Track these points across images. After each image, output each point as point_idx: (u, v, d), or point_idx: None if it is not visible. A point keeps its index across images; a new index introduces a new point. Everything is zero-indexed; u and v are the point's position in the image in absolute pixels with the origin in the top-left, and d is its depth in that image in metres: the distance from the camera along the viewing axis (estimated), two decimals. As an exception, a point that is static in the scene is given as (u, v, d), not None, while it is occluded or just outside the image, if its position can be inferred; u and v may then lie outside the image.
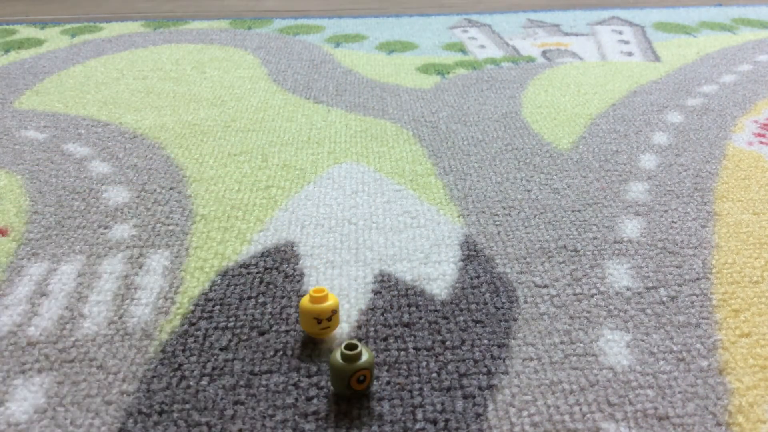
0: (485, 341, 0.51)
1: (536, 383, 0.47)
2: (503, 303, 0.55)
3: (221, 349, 0.50)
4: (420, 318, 0.54)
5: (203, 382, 0.47)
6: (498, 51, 1.29)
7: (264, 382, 0.47)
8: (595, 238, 0.64)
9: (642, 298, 0.56)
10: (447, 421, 0.44)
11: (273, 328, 0.53)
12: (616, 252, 0.62)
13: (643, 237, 0.65)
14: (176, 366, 0.49)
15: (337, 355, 0.45)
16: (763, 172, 0.78)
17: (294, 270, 0.60)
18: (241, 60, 1.24)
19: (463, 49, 1.31)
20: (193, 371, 0.48)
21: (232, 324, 0.53)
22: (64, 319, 0.54)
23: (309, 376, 0.48)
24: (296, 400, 0.46)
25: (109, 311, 0.55)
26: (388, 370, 0.48)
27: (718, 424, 0.43)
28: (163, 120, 0.95)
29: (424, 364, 0.49)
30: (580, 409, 0.45)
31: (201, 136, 0.90)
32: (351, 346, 0.45)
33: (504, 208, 0.70)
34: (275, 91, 1.07)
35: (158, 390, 0.46)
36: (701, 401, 0.45)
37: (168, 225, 0.67)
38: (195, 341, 0.51)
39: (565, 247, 0.63)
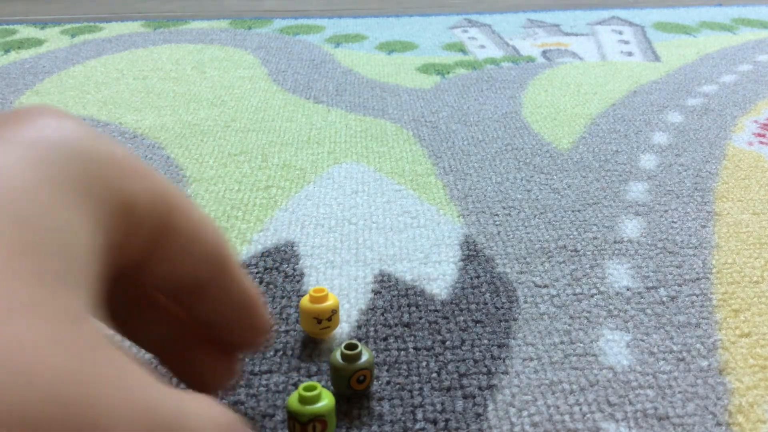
0: (485, 341, 0.51)
1: (536, 383, 0.47)
2: (503, 303, 0.55)
3: (221, 349, 0.50)
4: (420, 318, 0.54)
5: (203, 382, 0.47)
6: (498, 51, 1.29)
7: (264, 382, 0.47)
8: (595, 238, 0.64)
9: (642, 298, 0.56)
10: (447, 421, 0.44)
11: (273, 328, 0.53)
12: (616, 252, 0.62)
13: (643, 237, 0.65)
14: (176, 366, 0.49)
15: (337, 355, 0.45)
16: (763, 172, 0.78)
17: (294, 270, 0.60)
18: (241, 60, 1.24)
19: (463, 49, 1.31)
20: (193, 371, 0.48)
21: (232, 324, 0.53)
22: (64, 319, 0.54)
23: (309, 376, 0.48)
24: (296, 400, 0.46)
25: (109, 311, 0.55)
26: (388, 370, 0.48)
27: (718, 424, 0.43)
28: (163, 120, 0.95)
29: (424, 364, 0.49)
30: (580, 409, 0.45)
31: (201, 136, 0.90)
32: (351, 346, 0.45)
33: (504, 208, 0.70)
34: (275, 91, 1.07)
35: (158, 390, 0.46)
36: (701, 401, 0.45)
37: (168, 225, 0.67)
38: (195, 341, 0.51)
39: (565, 247, 0.63)
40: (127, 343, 0.29)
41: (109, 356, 0.16)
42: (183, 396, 0.18)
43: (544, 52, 1.28)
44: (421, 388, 0.47)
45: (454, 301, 0.56)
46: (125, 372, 0.16)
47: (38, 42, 1.36)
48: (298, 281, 0.59)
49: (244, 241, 0.64)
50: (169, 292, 0.25)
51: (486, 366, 0.48)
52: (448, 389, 0.47)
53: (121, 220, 0.20)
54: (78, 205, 0.18)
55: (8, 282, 0.15)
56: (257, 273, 0.60)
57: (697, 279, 0.58)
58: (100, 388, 0.15)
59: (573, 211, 0.69)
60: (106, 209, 0.19)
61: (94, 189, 0.19)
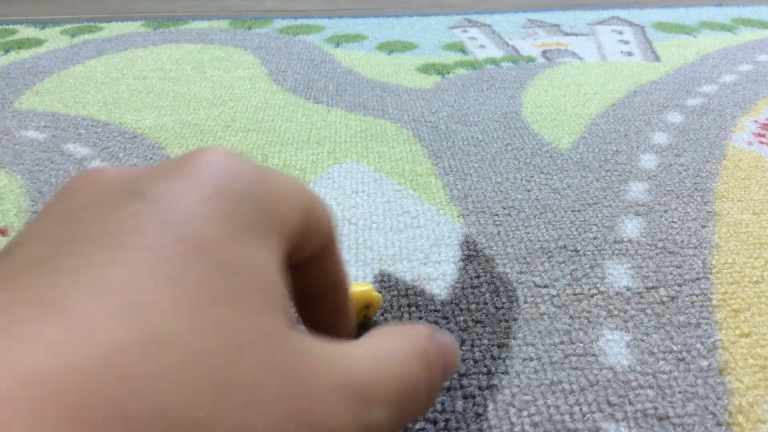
0: (485, 341, 0.51)
1: (536, 383, 0.47)
2: (503, 303, 0.55)
3: (221, 349, 0.50)
4: (420, 318, 0.54)
5: (203, 382, 0.47)
6: (498, 51, 1.29)
7: (264, 382, 0.47)
8: (595, 238, 0.64)
9: (642, 298, 0.56)
10: (447, 421, 0.44)
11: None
12: (616, 252, 0.62)
13: (643, 237, 0.65)
14: (176, 366, 0.49)
15: None
16: (763, 172, 0.78)
17: (294, 270, 0.60)
18: (241, 60, 1.24)
19: (463, 49, 1.30)
20: (193, 371, 0.48)
21: (232, 324, 0.53)
22: (64, 319, 0.54)
23: (309, 376, 0.48)
24: (296, 400, 0.46)
25: (109, 311, 0.55)
26: (388, 370, 0.48)
27: (718, 424, 0.43)
28: (163, 120, 0.95)
29: (424, 364, 0.49)
30: (580, 409, 0.45)
31: (201, 136, 0.90)
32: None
33: (504, 208, 0.70)
34: (275, 91, 1.07)
35: (158, 390, 0.46)
36: (701, 401, 0.45)
37: (168, 225, 0.67)
38: (195, 341, 0.51)
39: (565, 247, 0.63)
40: None
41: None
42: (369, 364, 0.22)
43: (544, 52, 1.28)
44: (421, 388, 0.47)
45: (454, 301, 0.56)
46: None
47: (38, 42, 1.36)
48: (298, 281, 0.59)
49: (244, 241, 0.64)
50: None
51: (486, 366, 0.48)
52: (448, 389, 0.46)
53: (288, 250, 0.23)
54: (261, 247, 0.21)
55: (246, 318, 0.18)
56: (257, 273, 0.59)
57: (697, 279, 0.58)
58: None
59: (573, 211, 0.69)
60: (280, 247, 0.22)
61: (268, 229, 0.22)
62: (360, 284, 0.51)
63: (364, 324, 0.49)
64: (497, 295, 0.56)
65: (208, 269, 0.18)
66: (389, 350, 0.23)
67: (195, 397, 0.16)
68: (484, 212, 0.69)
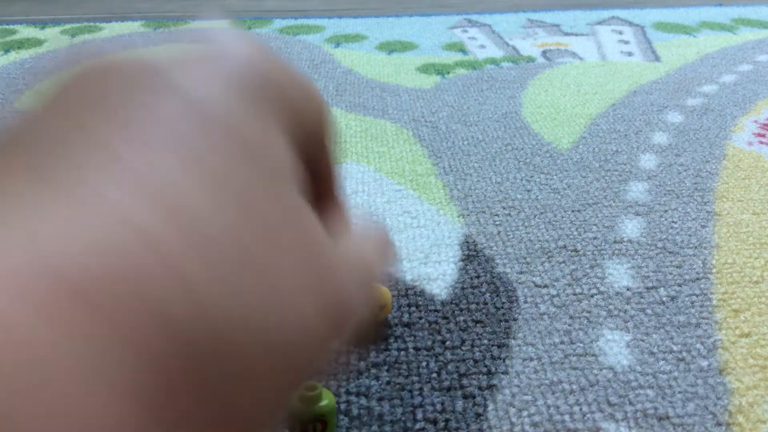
0: (485, 341, 0.51)
1: (536, 383, 0.47)
2: (503, 303, 0.55)
3: (221, 349, 0.50)
4: (420, 318, 0.54)
5: (203, 382, 0.47)
6: (498, 51, 1.29)
7: (264, 382, 0.47)
8: (595, 238, 0.64)
9: (642, 298, 0.56)
10: (447, 421, 0.44)
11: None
12: (616, 252, 0.62)
13: (643, 237, 0.65)
14: (176, 366, 0.49)
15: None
16: (763, 172, 0.78)
17: (294, 270, 0.60)
18: (241, 60, 1.24)
19: (463, 49, 1.30)
20: (193, 371, 0.48)
21: (232, 324, 0.53)
22: (64, 319, 0.54)
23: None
24: (296, 400, 0.46)
25: (109, 311, 0.55)
26: (388, 370, 0.48)
27: (718, 424, 0.43)
28: (163, 120, 0.95)
29: (424, 364, 0.49)
30: (580, 409, 0.45)
31: (201, 136, 0.90)
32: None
33: (504, 208, 0.70)
34: (275, 91, 1.07)
35: (158, 390, 0.46)
36: (701, 401, 0.45)
37: (168, 225, 0.67)
38: (195, 341, 0.51)
39: (565, 247, 0.63)
40: None
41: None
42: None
43: (544, 52, 1.28)
44: (421, 388, 0.47)
45: (454, 301, 0.56)
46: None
47: (38, 42, 1.36)
48: (298, 281, 0.59)
49: (244, 241, 0.64)
50: None
51: (486, 366, 0.48)
52: (448, 389, 0.47)
53: (297, 140, 0.23)
54: (280, 133, 0.21)
55: (275, 199, 0.18)
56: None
57: (697, 279, 0.58)
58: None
59: (573, 211, 0.69)
60: (292, 133, 0.22)
61: (285, 115, 0.21)
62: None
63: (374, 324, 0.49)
64: (497, 295, 0.56)
65: (232, 148, 0.18)
66: (370, 235, 0.24)
67: (221, 278, 0.15)
68: (484, 212, 0.69)
